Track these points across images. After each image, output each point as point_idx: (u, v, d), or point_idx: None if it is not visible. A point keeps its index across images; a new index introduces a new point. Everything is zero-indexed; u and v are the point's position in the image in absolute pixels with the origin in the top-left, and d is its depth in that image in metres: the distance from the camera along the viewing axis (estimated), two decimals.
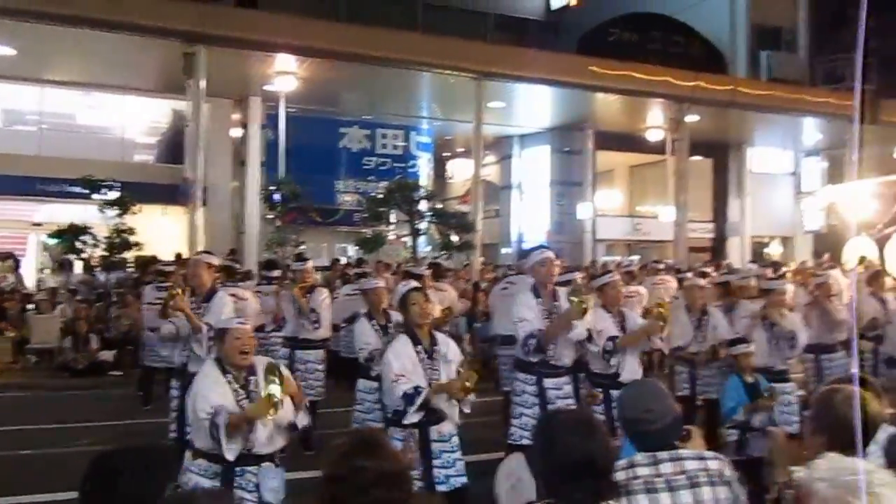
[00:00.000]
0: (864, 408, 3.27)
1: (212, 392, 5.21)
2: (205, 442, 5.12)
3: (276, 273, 12.12)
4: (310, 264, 10.59)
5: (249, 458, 5.18)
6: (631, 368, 7.80)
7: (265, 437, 5.19)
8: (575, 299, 7.13)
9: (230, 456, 5.01)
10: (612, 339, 7.66)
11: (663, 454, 3.33)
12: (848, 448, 3.07)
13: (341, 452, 2.88)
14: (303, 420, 5.51)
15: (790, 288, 11.18)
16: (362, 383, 8.48)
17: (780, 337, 8.59)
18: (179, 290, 7.72)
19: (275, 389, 4.96)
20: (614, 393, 7.59)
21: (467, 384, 5.74)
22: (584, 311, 7.11)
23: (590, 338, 7.47)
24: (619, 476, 3.25)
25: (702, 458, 3.36)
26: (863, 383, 3.71)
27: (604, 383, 7.83)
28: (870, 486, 1.97)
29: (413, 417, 5.78)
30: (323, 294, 10.22)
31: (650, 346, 8.37)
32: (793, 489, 2.17)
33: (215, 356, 5.56)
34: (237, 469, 5.16)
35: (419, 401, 5.71)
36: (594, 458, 2.95)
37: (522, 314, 7.51)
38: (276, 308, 10.20)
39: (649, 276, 16.75)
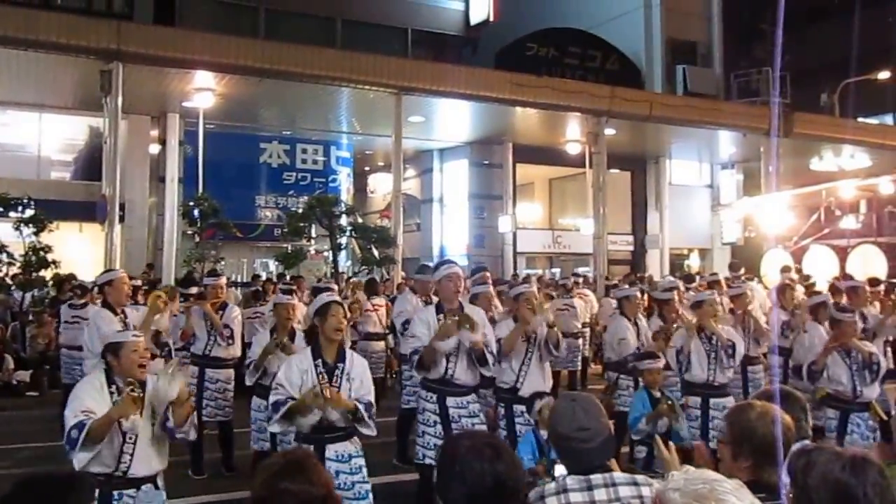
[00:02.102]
0: (779, 423, 3.22)
1: (88, 397, 5.16)
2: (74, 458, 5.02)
3: (193, 290, 11.82)
4: (222, 280, 10.35)
5: (125, 480, 5.12)
6: (532, 382, 7.74)
7: (141, 459, 5.15)
8: (455, 317, 7.09)
9: (78, 465, 4.87)
10: (499, 340, 7.62)
11: (597, 478, 3.24)
12: (769, 463, 3.14)
13: (269, 473, 2.87)
14: (191, 434, 5.41)
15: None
16: (255, 402, 8.41)
17: (718, 348, 8.53)
18: None
19: (147, 388, 5.01)
20: (517, 408, 7.66)
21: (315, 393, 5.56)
22: (460, 325, 7.01)
23: (483, 358, 7.21)
24: (551, 503, 3.20)
25: (636, 484, 3.26)
26: (789, 397, 3.80)
27: (505, 398, 7.82)
28: (715, 493, 2.04)
29: (275, 427, 5.76)
30: (235, 311, 10.06)
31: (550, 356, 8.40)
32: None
33: (104, 368, 5.43)
34: (114, 493, 5.08)
35: (282, 410, 5.65)
36: (503, 482, 2.85)
37: (415, 330, 7.47)
38: (187, 325, 9.87)
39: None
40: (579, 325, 15.39)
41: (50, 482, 2.93)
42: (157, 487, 5.26)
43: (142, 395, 5.05)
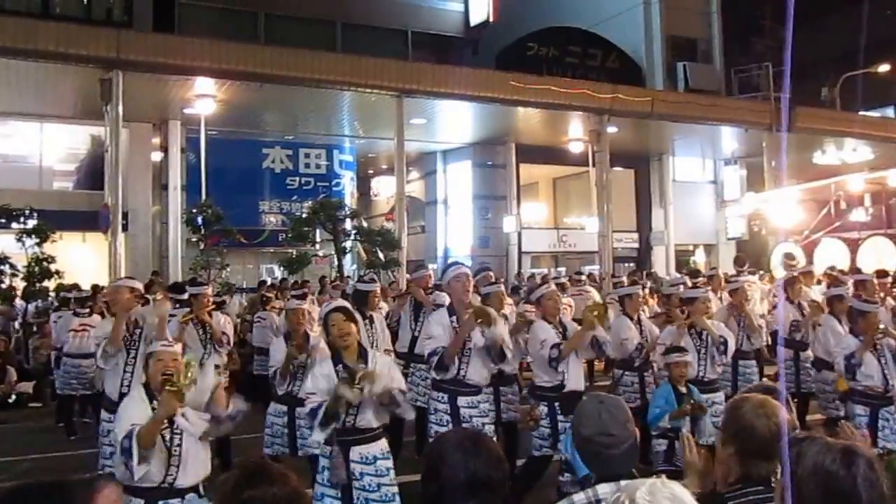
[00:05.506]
0: (773, 417, 3.22)
1: (135, 412, 5.13)
2: (121, 473, 4.98)
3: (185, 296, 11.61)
4: (209, 289, 10.17)
5: (171, 491, 5.10)
6: (575, 378, 7.81)
7: (187, 470, 5.13)
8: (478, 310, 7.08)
9: (137, 476, 4.86)
10: (555, 346, 7.64)
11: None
12: (755, 457, 3.17)
13: (229, 487, 2.76)
14: (240, 405, 5.50)
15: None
16: (273, 407, 8.28)
17: (709, 344, 8.58)
18: None
19: (178, 380, 4.97)
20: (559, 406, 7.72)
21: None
22: (485, 322, 7.00)
23: (502, 354, 7.21)
24: None
25: None
26: (774, 392, 3.73)
27: (548, 395, 7.81)
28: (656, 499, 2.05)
29: (317, 434, 5.64)
30: (222, 317, 10.03)
31: (593, 354, 8.36)
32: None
33: (144, 381, 5.49)
34: (160, 503, 5.08)
35: (320, 414, 5.57)
36: (478, 477, 2.77)
37: (431, 331, 7.43)
38: (179, 338, 9.60)
39: (571, 286, 17.00)
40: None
41: (39, 492, 2.84)
42: (200, 496, 5.27)
43: (178, 388, 4.97)
